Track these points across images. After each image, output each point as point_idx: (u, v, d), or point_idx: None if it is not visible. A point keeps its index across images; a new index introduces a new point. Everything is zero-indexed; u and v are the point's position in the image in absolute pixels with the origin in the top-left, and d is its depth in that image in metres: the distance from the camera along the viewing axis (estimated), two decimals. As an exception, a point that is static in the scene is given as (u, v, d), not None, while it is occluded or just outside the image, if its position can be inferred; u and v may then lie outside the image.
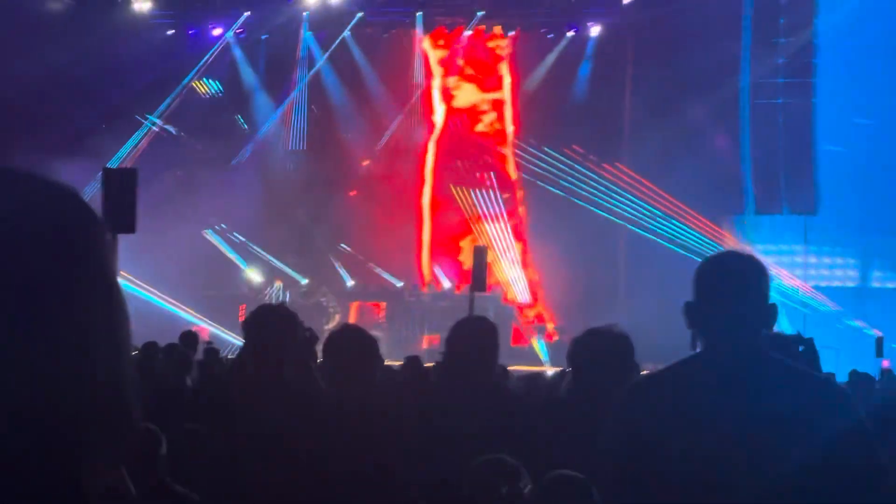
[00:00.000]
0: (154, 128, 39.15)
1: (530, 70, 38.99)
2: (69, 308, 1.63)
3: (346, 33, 39.17)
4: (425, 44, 39.96)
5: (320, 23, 39.40)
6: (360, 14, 38.65)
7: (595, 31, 37.95)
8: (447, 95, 40.28)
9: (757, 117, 35.38)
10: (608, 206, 35.63)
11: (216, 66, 40.15)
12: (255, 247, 37.94)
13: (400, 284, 38.39)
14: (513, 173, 38.96)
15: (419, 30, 39.23)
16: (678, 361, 4.35)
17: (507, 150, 39.43)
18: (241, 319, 33.18)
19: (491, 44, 40.01)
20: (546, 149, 37.19)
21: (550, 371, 25.51)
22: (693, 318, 4.23)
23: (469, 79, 40.44)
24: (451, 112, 40.21)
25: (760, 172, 35.30)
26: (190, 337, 16.16)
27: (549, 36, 38.66)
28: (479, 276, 16.00)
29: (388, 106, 39.74)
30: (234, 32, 39.87)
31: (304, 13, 39.01)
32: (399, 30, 39.65)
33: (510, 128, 39.70)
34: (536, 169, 37.40)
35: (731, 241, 34.11)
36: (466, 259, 32.58)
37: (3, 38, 31.96)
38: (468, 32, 39.09)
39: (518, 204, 38.37)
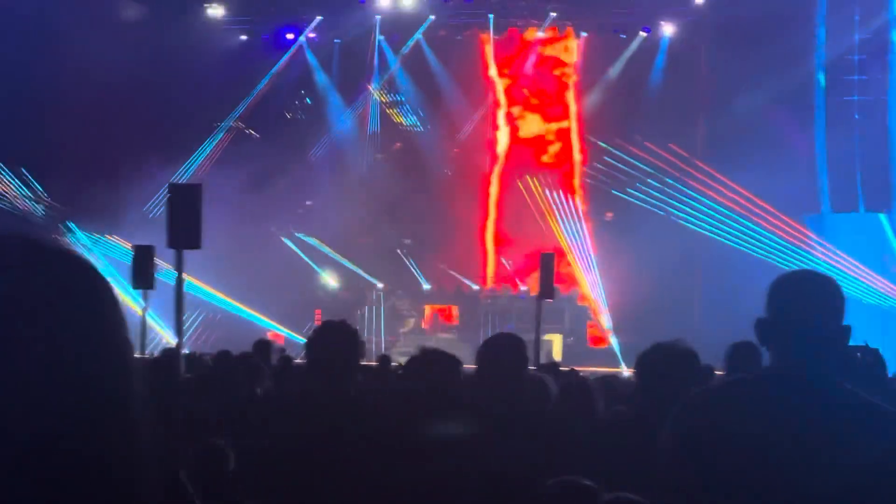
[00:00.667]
0: (229, 132, 39.50)
1: (601, 73, 38.86)
2: (70, 374, 1.65)
3: (419, 36, 39.24)
4: (491, 71, 39.96)
5: (393, 26, 39.50)
6: (431, 17, 38.70)
7: (668, 30, 37.76)
8: (512, 126, 40.21)
9: (832, 114, 35.01)
10: (683, 207, 35.43)
11: (290, 71, 40.35)
12: (330, 251, 38.04)
13: (476, 287, 38.46)
14: (581, 205, 38.47)
15: (491, 32, 39.20)
16: (740, 376, 4.31)
17: (576, 181, 39.10)
18: (317, 323, 33.48)
19: (556, 71, 39.90)
20: (617, 152, 37.03)
21: (626, 372, 25.49)
22: (763, 335, 4.21)
23: (533, 109, 40.34)
24: (516, 142, 40.13)
25: (836, 170, 34.91)
26: (263, 345, 16.21)
27: (621, 36, 38.51)
28: (546, 283, 15.83)
29: (463, 109, 39.77)
30: (307, 37, 40.07)
31: (377, 17, 39.12)
32: (472, 31, 39.64)
33: (577, 156, 39.49)
34: (612, 171, 37.21)
35: (811, 242, 33.81)
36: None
37: (83, 43, 32.36)
38: (541, 34, 39.02)
39: (586, 236, 37.88)
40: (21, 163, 35.85)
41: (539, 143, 40.14)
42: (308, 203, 37.87)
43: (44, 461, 1.58)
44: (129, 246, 31.17)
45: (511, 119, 40.19)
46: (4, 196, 36.10)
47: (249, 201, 34.46)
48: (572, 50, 39.56)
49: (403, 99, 40.63)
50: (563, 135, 39.95)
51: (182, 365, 10.16)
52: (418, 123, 40.58)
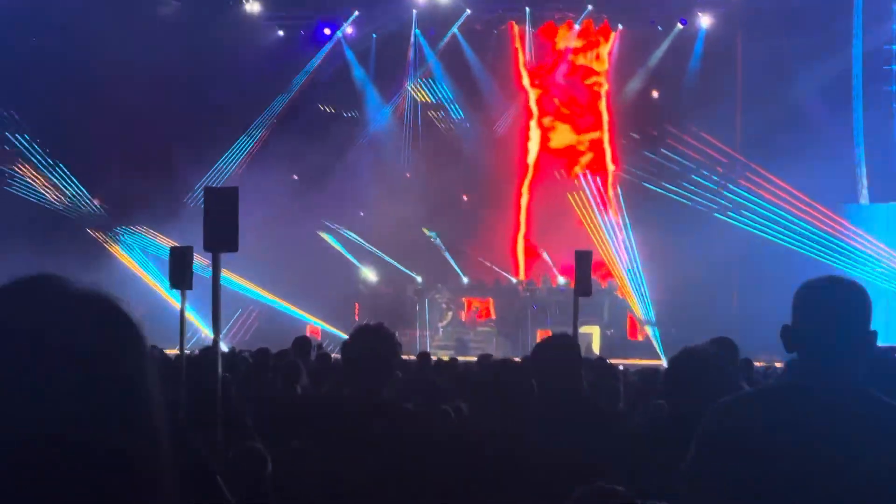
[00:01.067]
0: (267, 128, 39.51)
1: (638, 66, 38.71)
2: (91, 420, 1.72)
3: (455, 30, 39.23)
4: (524, 81, 39.93)
5: (429, 20, 39.49)
6: (467, 11, 38.69)
7: (706, 21, 37.58)
8: (543, 136, 40.12)
9: (871, 104, 34.78)
10: (722, 201, 35.27)
11: (327, 66, 40.36)
12: (369, 246, 38.02)
13: (515, 280, 38.40)
14: (614, 214, 37.83)
15: (528, 26, 39.17)
16: (768, 385, 4.29)
17: (609, 193, 38.66)
18: (356, 318, 33.58)
19: (588, 81, 39.77)
20: (660, 145, 36.81)
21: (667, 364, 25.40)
22: (791, 343, 4.19)
23: (565, 119, 40.21)
24: (547, 152, 40.07)
25: (875, 160, 34.72)
26: (302, 342, 16.29)
27: (658, 28, 38.35)
28: (583, 280, 15.61)
29: (499, 102, 39.74)
30: (344, 32, 40.12)
31: (413, 11, 39.14)
32: (508, 25, 39.60)
33: (611, 167, 39.34)
34: (649, 166, 36.99)
35: (850, 233, 33.58)
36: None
37: (121, 41, 32.55)
38: (577, 27, 38.94)
39: (628, 232, 37.38)
40: (64, 161, 36.12)
41: (571, 153, 39.97)
42: (361, 214, 37.83)
43: (69, 470, 1.66)
44: (162, 242, 31.63)
45: (542, 129, 40.07)
46: (48, 194, 36.39)
47: (288, 197, 34.53)
48: (604, 58, 39.44)
49: (441, 93, 40.50)
50: (595, 145, 39.79)
51: (220, 363, 10.17)
52: (456, 117, 40.51)
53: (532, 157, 40.02)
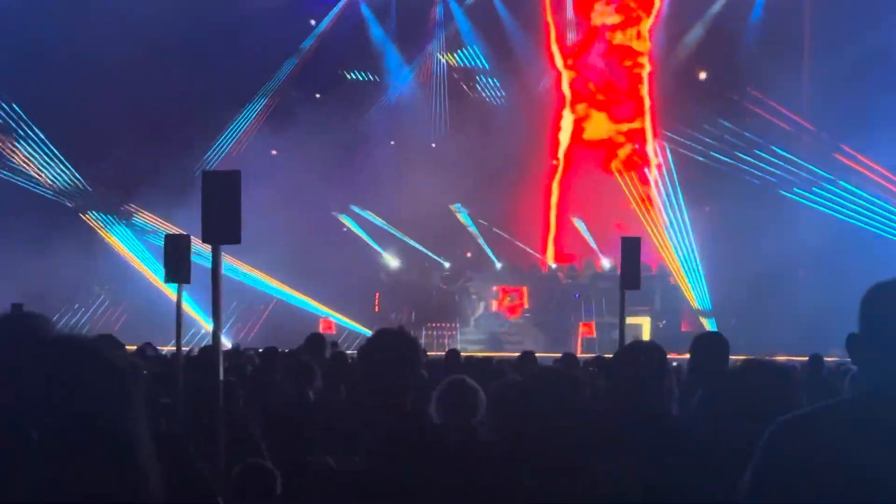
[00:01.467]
0: (276, 96, 39.38)
1: (689, 29, 38.35)
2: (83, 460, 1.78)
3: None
4: (558, 63, 39.63)
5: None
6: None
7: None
8: (577, 126, 39.86)
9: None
10: (788, 178, 35.06)
11: (342, 24, 40.11)
12: (390, 228, 37.87)
13: (554, 266, 38.21)
14: (656, 216, 37.07)
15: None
16: (835, 401, 4.23)
17: (652, 190, 38.11)
18: (376, 310, 33.47)
19: (627, 62, 39.39)
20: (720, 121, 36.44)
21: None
22: (859, 354, 4.14)
23: (600, 106, 39.85)
24: (581, 144, 39.85)
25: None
26: (316, 341, 16.25)
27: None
28: (630, 270, 14.95)
29: (532, 66, 39.42)
30: (363, -12, 40.03)
31: (440, -36, 39.10)
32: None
33: (654, 160, 38.94)
34: (704, 138, 36.75)
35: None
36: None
37: (120, 4, 32.66)
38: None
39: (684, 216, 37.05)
40: (59, 139, 36.20)
41: (607, 146, 39.68)
42: (366, 176, 37.68)
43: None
44: (165, 227, 31.59)
45: (576, 118, 39.82)
46: (41, 178, 36.53)
47: (299, 173, 34.41)
48: (645, 36, 39.08)
49: (471, 56, 40.24)
50: (635, 136, 39.49)
51: (222, 364, 10.13)
52: (487, 82, 40.28)
53: (563, 149, 39.69)
